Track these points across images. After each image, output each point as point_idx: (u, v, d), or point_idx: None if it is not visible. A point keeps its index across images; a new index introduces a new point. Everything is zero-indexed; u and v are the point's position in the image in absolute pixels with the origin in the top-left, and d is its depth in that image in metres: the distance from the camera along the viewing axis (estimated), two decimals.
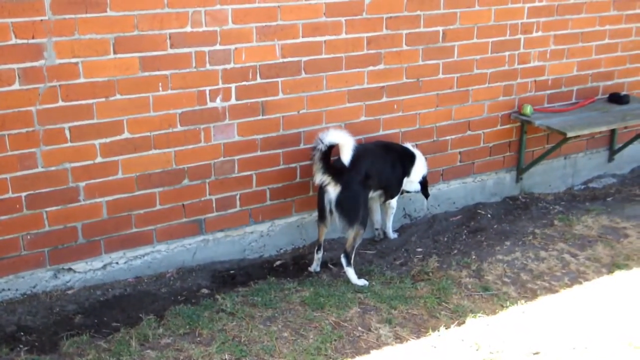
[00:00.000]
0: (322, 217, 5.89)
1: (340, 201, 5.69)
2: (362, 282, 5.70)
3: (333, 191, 5.70)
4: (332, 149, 5.51)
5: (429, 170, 6.58)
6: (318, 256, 6.04)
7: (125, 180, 5.48)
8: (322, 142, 5.45)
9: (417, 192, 6.56)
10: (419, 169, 6.38)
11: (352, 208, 5.72)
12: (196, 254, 5.96)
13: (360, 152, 5.64)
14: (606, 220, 6.80)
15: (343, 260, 5.75)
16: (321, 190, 5.79)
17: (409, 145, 6.44)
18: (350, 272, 5.73)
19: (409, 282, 5.66)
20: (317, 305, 5.22)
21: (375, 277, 5.81)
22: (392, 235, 6.74)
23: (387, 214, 6.64)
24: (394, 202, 6.49)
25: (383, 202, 6.46)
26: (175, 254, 5.86)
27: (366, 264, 6.12)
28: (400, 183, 6.33)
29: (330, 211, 5.77)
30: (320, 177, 5.66)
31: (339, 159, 5.56)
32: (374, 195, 6.16)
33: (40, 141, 5.07)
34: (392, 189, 6.30)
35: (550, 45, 7.15)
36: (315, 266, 6.06)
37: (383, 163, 6.08)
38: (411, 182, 6.43)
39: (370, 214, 6.36)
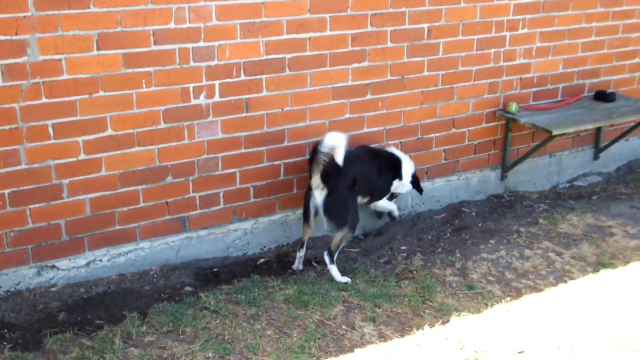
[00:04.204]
0: (306, 219, 5.90)
1: (327, 205, 5.70)
2: (345, 279, 5.69)
3: (319, 195, 5.70)
4: None
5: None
6: (300, 254, 6.02)
7: (108, 178, 5.45)
8: (326, 146, 5.45)
9: (412, 190, 6.56)
10: (407, 171, 6.37)
11: (340, 212, 5.73)
12: (180, 252, 5.94)
13: (348, 157, 5.61)
14: (591, 218, 6.82)
15: (326, 258, 5.74)
16: (308, 192, 5.79)
17: (393, 149, 6.45)
18: (334, 270, 5.73)
19: (393, 280, 5.66)
20: (301, 303, 5.22)
21: (359, 275, 5.81)
22: (396, 213, 6.78)
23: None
24: (381, 202, 6.50)
25: (367, 204, 6.44)
26: (158, 251, 5.84)
27: (350, 262, 6.11)
28: (388, 189, 6.37)
29: (316, 214, 5.77)
30: (317, 180, 5.66)
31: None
32: (362, 201, 6.18)
33: (23, 138, 5.04)
34: (378, 195, 6.36)
35: (536, 42, 7.15)
36: (297, 264, 6.04)
37: (370, 169, 6.08)
38: (403, 185, 6.43)
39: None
